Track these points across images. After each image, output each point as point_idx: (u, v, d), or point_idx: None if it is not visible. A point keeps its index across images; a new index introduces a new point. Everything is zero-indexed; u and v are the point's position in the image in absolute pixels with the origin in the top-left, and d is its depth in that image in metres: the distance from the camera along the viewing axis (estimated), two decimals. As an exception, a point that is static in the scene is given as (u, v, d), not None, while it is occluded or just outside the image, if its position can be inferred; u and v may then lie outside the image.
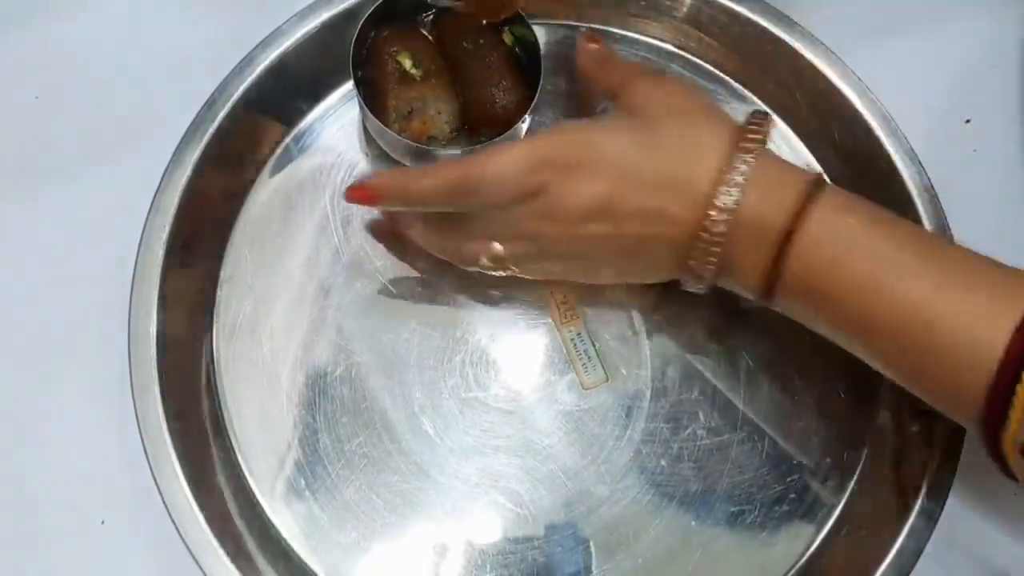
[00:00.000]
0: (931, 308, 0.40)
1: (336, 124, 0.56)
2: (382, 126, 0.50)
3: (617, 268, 0.48)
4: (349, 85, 0.56)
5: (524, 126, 0.52)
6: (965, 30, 0.59)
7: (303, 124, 0.56)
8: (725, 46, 0.58)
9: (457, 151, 0.51)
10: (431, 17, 0.54)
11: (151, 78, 0.56)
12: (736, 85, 0.58)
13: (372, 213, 0.54)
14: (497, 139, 0.51)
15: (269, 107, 0.54)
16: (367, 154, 0.55)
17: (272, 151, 0.55)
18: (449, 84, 0.52)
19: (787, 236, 0.42)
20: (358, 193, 0.47)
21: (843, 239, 0.41)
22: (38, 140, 0.55)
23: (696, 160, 0.43)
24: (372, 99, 0.52)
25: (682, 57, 0.58)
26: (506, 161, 0.44)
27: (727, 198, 0.42)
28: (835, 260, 0.41)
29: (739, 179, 0.42)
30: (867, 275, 0.41)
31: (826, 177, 0.45)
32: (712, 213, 0.42)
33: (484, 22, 0.52)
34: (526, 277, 0.50)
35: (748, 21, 0.56)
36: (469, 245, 0.48)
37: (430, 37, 0.54)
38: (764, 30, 0.56)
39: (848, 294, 0.42)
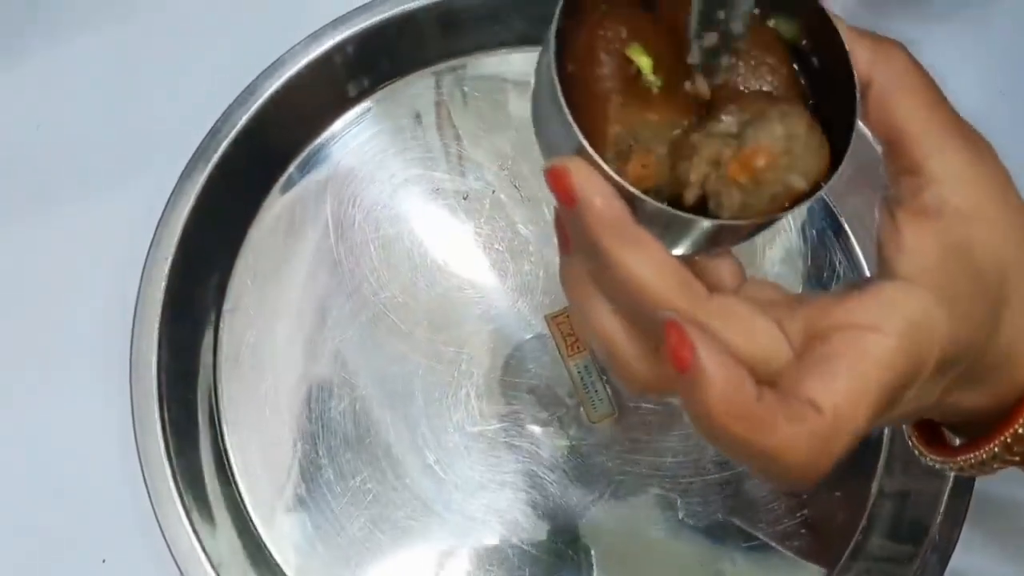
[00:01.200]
0: None
1: (340, 153, 0.55)
2: (601, 166, 0.27)
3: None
4: (354, 112, 0.56)
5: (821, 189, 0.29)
6: (969, 57, 0.59)
7: (306, 153, 0.55)
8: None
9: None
10: None
11: (152, 107, 0.55)
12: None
13: (377, 239, 0.53)
14: (803, 204, 0.29)
15: (273, 136, 0.54)
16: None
17: (276, 180, 0.55)
18: (694, 109, 0.30)
19: None
20: (557, 178, 0.27)
21: None
22: (38, 169, 0.55)
23: None
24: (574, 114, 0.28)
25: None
26: (841, 446, 0.27)
27: None
28: None
29: None
30: None
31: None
32: None
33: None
34: None
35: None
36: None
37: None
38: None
39: None
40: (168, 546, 0.46)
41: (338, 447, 0.50)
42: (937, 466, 0.34)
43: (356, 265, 0.53)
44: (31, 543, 0.49)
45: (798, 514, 0.50)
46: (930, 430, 0.35)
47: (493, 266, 0.53)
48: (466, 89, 0.56)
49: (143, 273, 0.50)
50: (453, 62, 0.57)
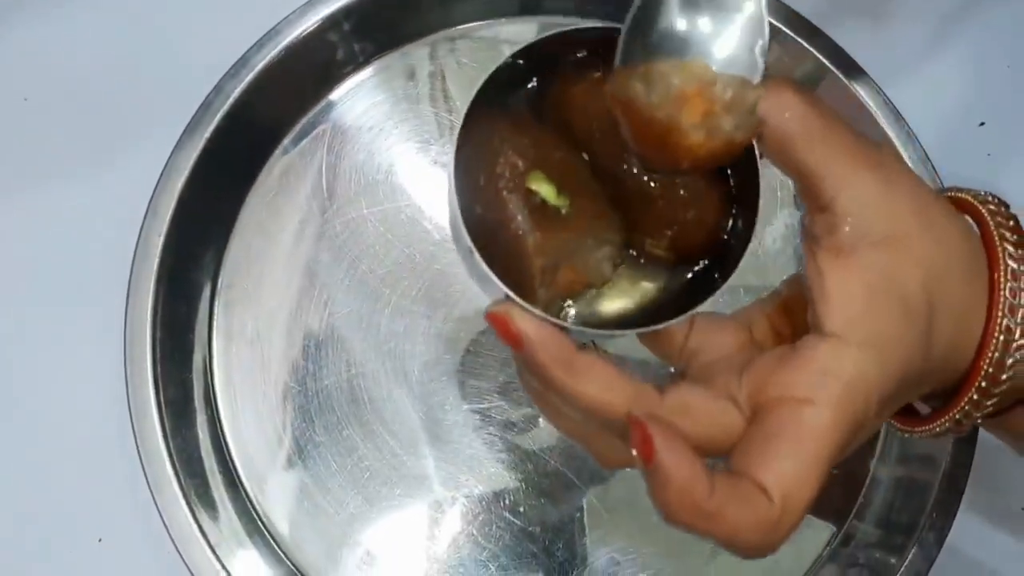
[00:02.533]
0: None
1: (335, 125, 0.54)
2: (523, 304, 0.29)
3: None
4: (349, 84, 0.55)
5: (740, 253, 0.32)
6: (979, 30, 0.58)
7: (301, 126, 0.54)
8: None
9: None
10: (534, 88, 0.32)
11: (144, 80, 0.54)
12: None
13: (374, 214, 0.53)
14: (719, 289, 0.31)
15: (267, 109, 0.53)
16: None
17: (270, 154, 0.54)
18: (607, 202, 0.32)
19: None
20: (500, 324, 0.29)
21: None
22: (26, 143, 0.53)
23: (967, 329, 0.32)
24: (489, 254, 0.29)
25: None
26: (797, 516, 0.29)
27: (1004, 370, 0.32)
28: None
29: (1012, 341, 0.32)
30: None
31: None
32: (977, 395, 0.33)
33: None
34: None
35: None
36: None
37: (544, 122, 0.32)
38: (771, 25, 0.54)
39: None
40: (165, 525, 0.46)
41: (335, 424, 0.50)
42: (902, 433, 0.36)
43: (353, 240, 0.52)
44: (28, 523, 0.49)
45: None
46: None
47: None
48: (463, 60, 0.55)
49: (136, 250, 0.49)
50: (449, 32, 0.56)
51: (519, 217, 0.30)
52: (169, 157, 0.50)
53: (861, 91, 0.53)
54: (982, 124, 0.56)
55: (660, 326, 0.31)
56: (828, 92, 0.54)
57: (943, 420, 0.34)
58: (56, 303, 0.51)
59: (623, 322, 0.32)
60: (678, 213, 0.32)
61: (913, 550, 0.47)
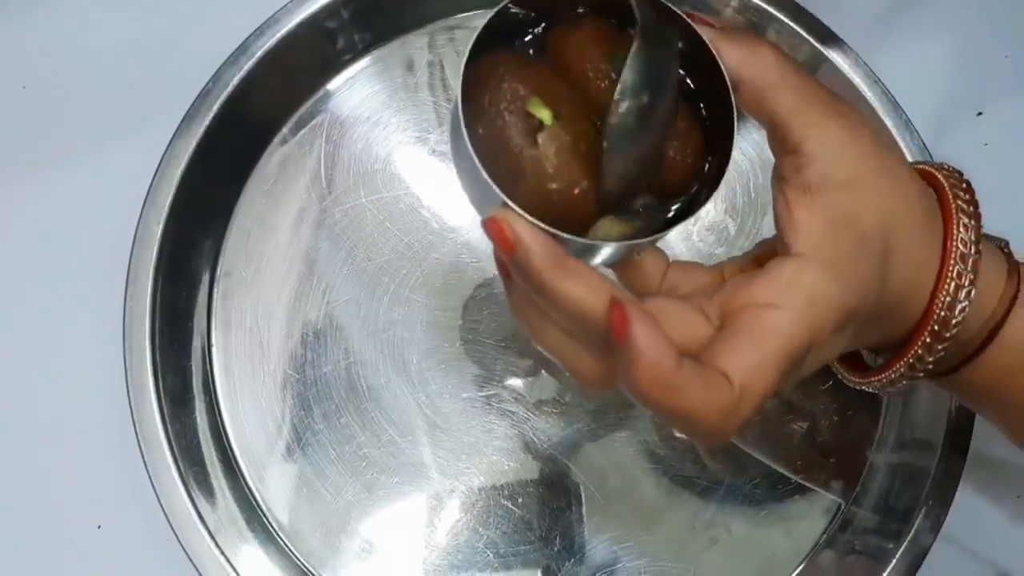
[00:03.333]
0: None
1: (334, 114, 0.54)
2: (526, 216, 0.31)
3: None
4: (348, 73, 0.55)
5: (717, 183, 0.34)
6: (977, 20, 0.58)
7: (300, 114, 0.54)
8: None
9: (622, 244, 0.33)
10: (539, 33, 0.35)
11: (143, 68, 0.54)
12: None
13: (373, 202, 0.53)
14: (696, 212, 0.34)
15: (265, 97, 0.53)
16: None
17: (268, 142, 0.54)
18: (595, 129, 0.33)
19: (984, 342, 0.36)
20: (496, 228, 0.31)
21: None
22: (25, 131, 0.53)
23: (919, 277, 0.35)
24: (495, 164, 0.32)
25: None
26: (742, 416, 0.30)
27: (953, 317, 0.34)
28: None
29: (963, 295, 0.34)
30: None
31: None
32: (929, 339, 0.35)
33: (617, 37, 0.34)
34: None
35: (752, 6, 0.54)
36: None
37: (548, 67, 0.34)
38: (771, 16, 0.54)
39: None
40: (164, 511, 0.46)
41: (333, 412, 0.50)
42: (857, 385, 0.38)
43: (351, 229, 0.53)
44: (28, 509, 0.49)
45: (793, 480, 0.51)
46: (850, 354, 0.39)
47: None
48: (461, 49, 0.55)
49: (135, 238, 0.49)
50: (448, 21, 0.56)
51: (517, 134, 0.32)
52: (168, 145, 0.50)
53: (861, 84, 0.53)
54: (979, 114, 0.56)
55: (644, 240, 0.33)
56: (834, 84, 0.54)
57: (898, 366, 0.36)
58: (55, 290, 0.52)
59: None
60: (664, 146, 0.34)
61: (909, 536, 0.48)
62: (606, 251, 0.33)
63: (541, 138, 0.32)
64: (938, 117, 0.55)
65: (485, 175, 0.31)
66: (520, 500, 0.50)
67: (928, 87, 0.56)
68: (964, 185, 0.36)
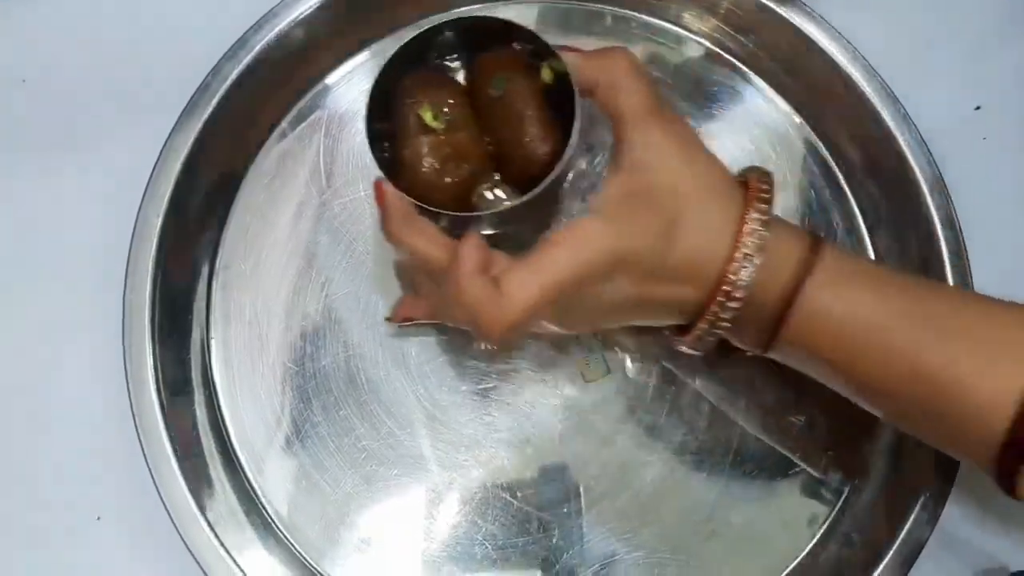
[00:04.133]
0: (934, 374, 0.40)
1: (332, 108, 0.55)
2: (397, 192, 0.44)
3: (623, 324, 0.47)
4: (347, 67, 0.55)
5: (564, 175, 0.47)
6: (976, 15, 0.58)
7: (299, 108, 0.54)
8: (732, 27, 0.56)
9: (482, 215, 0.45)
10: (463, 59, 0.48)
11: (142, 61, 0.55)
12: (744, 68, 0.57)
13: (371, 196, 0.52)
14: (535, 191, 0.44)
15: (264, 91, 0.53)
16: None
17: (267, 136, 0.54)
18: (477, 136, 0.46)
19: (784, 311, 0.41)
20: (377, 188, 0.43)
21: (837, 311, 0.41)
22: (25, 125, 0.54)
23: (711, 245, 0.41)
24: (392, 154, 0.46)
25: (698, 43, 0.57)
26: (517, 317, 0.40)
27: (740, 281, 0.41)
28: (829, 331, 0.41)
29: (749, 264, 0.41)
30: (864, 344, 0.41)
31: (826, 239, 0.43)
32: (721, 298, 0.42)
33: (516, 63, 0.46)
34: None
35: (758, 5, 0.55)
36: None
37: (462, 81, 0.48)
38: (766, 8, 0.54)
39: (842, 361, 0.42)
40: (163, 502, 0.46)
41: (332, 405, 0.50)
42: (677, 345, 0.46)
43: (350, 222, 0.53)
44: (26, 501, 0.50)
45: (789, 473, 0.51)
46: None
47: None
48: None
49: (134, 230, 0.49)
50: (442, 16, 0.55)
51: (412, 131, 0.45)
52: (167, 138, 0.50)
53: (861, 80, 0.53)
54: (977, 108, 0.57)
55: (484, 213, 0.45)
56: (831, 79, 0.54)
57: (701, 324, 0.43)
58: (55, 283, 0.52)
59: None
60: (527, 149, 0.45)
61: (906, 528, 0.48)
62: (475, 220, 0.45)
63: (426, 136, 0.45)
64: (936, 112, 0.54)
65: (372, 155, 0.44)
66: (519, 493, 0.50)
67: (926, 82, 0.55)
68: (766, 179, 0.43)
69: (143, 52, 0.55)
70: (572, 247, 0.40)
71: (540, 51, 0.45)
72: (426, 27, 0.46)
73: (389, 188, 0.43)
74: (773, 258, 0.41)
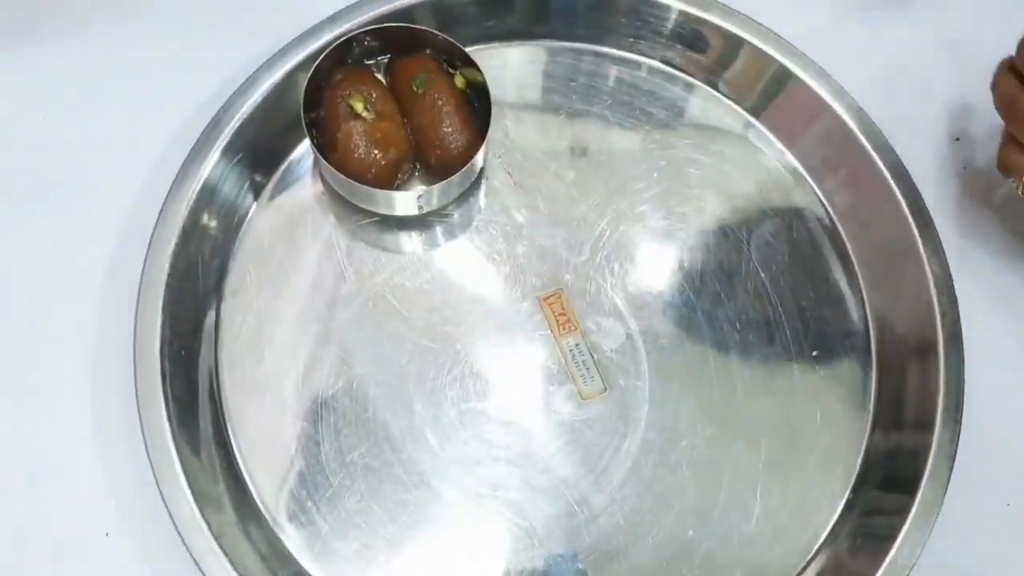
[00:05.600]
0: None
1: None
2: (328, 166, 0.51)
3: None
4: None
5: (478, 166, 0.54)
6: (952, 48, 0.61)
7: (307, 140, 0.56)
8: (718, 63, 0.59)
9: (410, 192, 0.53)
10: (386, 61, 0.56)
11: (161, 94, 0.57)
12: (727, 102, 0.59)
13: (374, 223, 0.55)
14: (449, 179, 0.51)
15: (273, 125, 0.55)
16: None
17: (277, 167, 0.56)
18: (401, 126, 0.53)
19: None
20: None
21: None
22: (47, 155, 0.56)
23: None
24: (324, 139, 0.53)
25: (667, 73, 0.59)
26: None
27: None
28: None
29: None
30: None
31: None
32: None
33: (434, 66, 0.54)
34: None
35: (732, 35, 0.57)
36: None
37: (383, 81, 0.55)
38: (743, 41, 0.57)
39: None
40: (171, 518, 0.47)
41: (336, 424, 0.51)
42: None
43: (355, 249, 0.55)
44: (35, 516, 0.50)
45: (784, 491, 0.52)
46: None
47: (487, 249, 0.55)
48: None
49: (147, 255, 0.51)
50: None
51: (339, 116, 0.52)
52: (180, 168, 0.52)
53: (841, 111, 0.56)
54: (957, 140, 0.59)
55: (406, 193, 0.53)
56: (815, 112, 0.56)
57: None
58: (65, 301, 0.54)
59: None
60: (444, 142, 0.52)
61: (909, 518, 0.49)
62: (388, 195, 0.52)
63: (355, 122, 0.52)
64: (916, 143, 0.57)
65: (308, 140, 0.52)
66: (520, 508, 0.51)
67: (905, 114, 0.58)
68: None
69: (163, 86, 0.57)
70: None
71: (459, 58, 0.53)
72: (356, 31, 0.53)
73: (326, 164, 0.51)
74: None
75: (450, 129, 0.52)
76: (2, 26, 0.59)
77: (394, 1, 0.56)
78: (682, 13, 0.57)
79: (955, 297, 0.52)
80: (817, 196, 0.57)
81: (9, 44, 0.58)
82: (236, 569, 0.47)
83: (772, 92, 0.58)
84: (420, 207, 0.54)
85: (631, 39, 0.59)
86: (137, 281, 0.51)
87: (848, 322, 0.55)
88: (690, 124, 0.59)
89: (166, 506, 0.47)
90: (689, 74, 0.59)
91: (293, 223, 0.55)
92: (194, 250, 0.52)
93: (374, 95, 0.53)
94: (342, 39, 0.53)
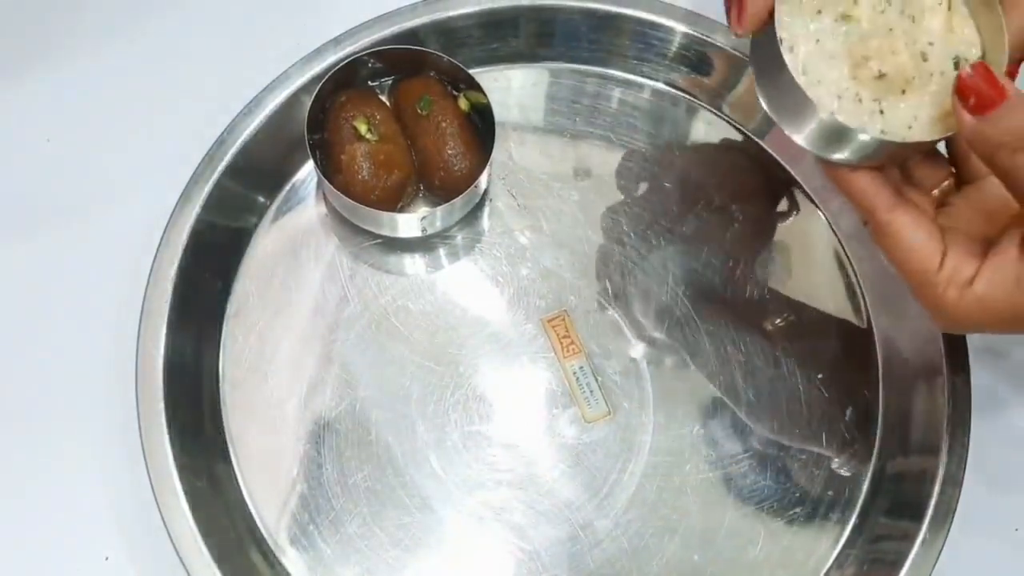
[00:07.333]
0: None
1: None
2: (332, 188, 0.51)
3: None
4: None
5: (481, 188, 0.54)
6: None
7: (309, 163, 0.57)
8: (721, 86, 0.59)
9: (414, 214, 0.53)
10: (390, 83, 0.56)
11: (164, 118, 0.57)
12: (731, 124, 0.59)
13: (377, 245, 0.55)
14: (453, 201, 0.51)
15: (276, 147, 0.55)
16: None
17: (280, 188, 0.56)
18: (405, 148, 0.53)
19: None
20: None
21: None
22: (50, 179, 0.56)
23: None
24: (328, 161, 0.53)
25: (670, 95, 0.59)
26: None
27: None
28: None
29: None
30: None
31: None
32: None
33: (438, 88, 0.54)
34: None
35: (736, 57, 0.57)
36: None
37: (387, 103, 0.55)
38: (747, 63, 0.56)
39: None
40: (172, 542, 0.47)
41: (339, 446, 0.51)
42: None
43: (357, 271, 0.55)
44: (34, 539, 0.50)
45: (790, 513, 0.51)
46: None
47: (491, 271, 0.55)
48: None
49: (149, 278, 0.51)
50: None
51: (343, 138, 0.53)
52: (183, 190, 0.52)
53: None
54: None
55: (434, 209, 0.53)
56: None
57: None
58: (70, 327, 0.54)
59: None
60: (448, 164, 0.53)
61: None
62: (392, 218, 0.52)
63: (359, 143, 0.52)
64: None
65: (312, 162, 0.52)
66: (521, 532, 0.50)
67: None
68: None
69: (166, 110, 0.57)
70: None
71: (463, 80, 0.54)
72: (360, 53, 0.54)
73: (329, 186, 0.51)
74: None
75: (454, 151, 0.52)
76: (6, 49, 0.59)
77: (398, 23, 0.56)
78: (686, 35, 0.57)
79: (961, 319, 0.52)
80: (823, 218, 0.57)
81: (13, 66, 0.58)
82: (236, 593, 0.47)
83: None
84: (424, 229, 0.54)
85: (635, 61, 0.59)
86: (140, 302, 0.51)
87: (854, 344, 0.55)
88: (694, 146, 0.59)
89: (167, 529, 0.47)
90: (693, 96, 0.59)
91: (296, 244, 0.55)
92: (197, 271, 0.52)
93: (378, 117, 0.53)
94: (346, 61, 0.53)
